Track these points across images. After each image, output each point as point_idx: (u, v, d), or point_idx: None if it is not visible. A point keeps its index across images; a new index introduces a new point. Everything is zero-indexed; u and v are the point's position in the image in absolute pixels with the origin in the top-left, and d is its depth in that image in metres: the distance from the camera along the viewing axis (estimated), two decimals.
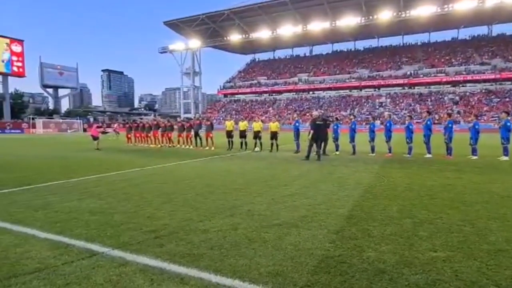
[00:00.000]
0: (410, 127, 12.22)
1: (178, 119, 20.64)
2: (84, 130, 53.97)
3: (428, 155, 11.57)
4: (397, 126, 22.33)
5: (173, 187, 6.25)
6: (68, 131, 52.13)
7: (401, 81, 58.70)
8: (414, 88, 58.28)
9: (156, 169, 9.06)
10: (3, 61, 54.48)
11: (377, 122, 27.81)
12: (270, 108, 66.79)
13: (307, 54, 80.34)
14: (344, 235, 3.55)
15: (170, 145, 17.44)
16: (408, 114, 17.99)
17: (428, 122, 11.92)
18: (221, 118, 62.92)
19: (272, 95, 72.77)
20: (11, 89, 62.04)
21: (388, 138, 12.30)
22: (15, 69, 56.59)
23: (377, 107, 56.45)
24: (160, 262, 2.86)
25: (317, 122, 11.10)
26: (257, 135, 14.57)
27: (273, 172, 8.35)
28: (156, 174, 8.07)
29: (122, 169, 8.75)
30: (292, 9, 60.50)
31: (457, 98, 52.26)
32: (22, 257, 2.95)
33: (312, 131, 10.94)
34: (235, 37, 68.94)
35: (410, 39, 70.35)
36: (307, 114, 54.24)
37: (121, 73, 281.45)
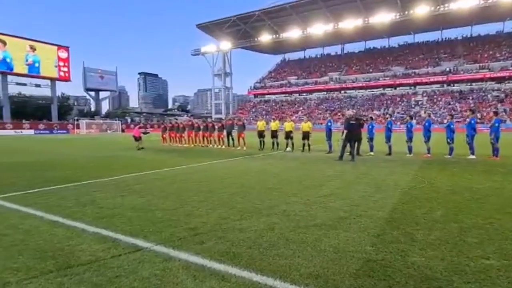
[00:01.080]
0: (452, 126, 11.55)
1: (210, 120, 21.05)
2: (123, 130, 56.82)
3: (472, 156, 10.87)
4: (435, 125, 21.16)
5: (208, 186, 6.38)
6: (108, 131, 55.08)
7: (439, 78, 55.69)
8: (453, 86, 55.04)
9: (191, 168, 9.30)
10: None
11: (413, 122, 26.60)
12: (300, 108, 66.22)
13: (338, 53, 78.76)
14: (386, 238, 3.43)
15: (202, 145, 17.83)
16: (449, 113, 17.07)
17: (472, 121, 11.21)
18: (251, 119, 63.37)
19: (302, 95, 72.12)
20: (58, 93, 66.57)
21: (427, 138, 11.72)
22: (61, 74, 60.56)
23: (413, 106, 54.04)
24: (201, 259, 2.92)
25: (351, 122, 10.83)
26: (288, 135, 14.50)
27: (306, 172, 8.27)
28: (192, 173, 8.28)
29: (160, 168, 9.07)
30: (323, 7, 59.57)
31: (503, 95, 48.63)
32: (75, 250, 3.15)
33: (345, 131, 10.69)
34: (265, 38, 69.15)
35: (450, 33, 66.50)
36: (339, 114, 53.17)
37: (156, 75, 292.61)
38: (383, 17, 55.81)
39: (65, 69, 61.32)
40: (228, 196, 5.52)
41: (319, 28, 62.55)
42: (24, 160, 11.74)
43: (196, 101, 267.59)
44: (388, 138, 12.56)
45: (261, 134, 15.61)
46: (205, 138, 17.97)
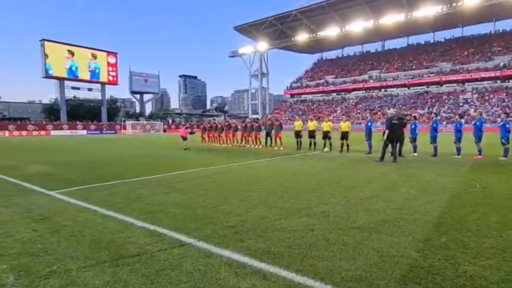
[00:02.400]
0: (507, 125, 10.59)
1: (247, 120, 21.31)
2: (164, 130, 59.53)
3: None
4: (487, 125, 19.44)
5: (247, 185, 6.48)
6: (151, 131, 57.96)
7: (491, 74, 51.28)
8: (508, 82, 50.33)
9: (229, 167, 9.49)
10: (90, 71, 63.06)
11: (463, 121, 24.69)
12: (338, 108, 64.69)
13: (379, 50, 75.64)
14: (434, 244, 3.26)
15: (240, 145, 18.09)
16: (503, 111, 15.68)
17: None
18: (287, 119, 63.05)
19: (340, 94, 70.35)
20: (107, 96, 71.42)
21: (479, 138, 10.87)
22: (110, 78, 65.41)
23: (461, 104, 50.36)
24: (242, 256, 2.99)
25: (393, 121, 10.36)
26: (326, 135, 14.24)
27: (346, 173, 8.08)
28: (231, 172, 8.45)
29: (200, 167, 9.36)
30: (362, 3, 57.65)
31: None
32: (125, 242, 3.37)
33: (387, 131, 10.27)
34: (302, 37, 68.49)
35: (504, 25, 61.01)
36: (379, 113, 51.13)
37: (195, 77, 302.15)
38: (428, 11, 52.62)
39: (114, 73, 65.93)
40: (267, 195, 5.56)
41: (358, 25, 60.60)
42: (79, 158, 12.73)
43: (233, 102, 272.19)
44: (433, 139, 11.83)
45: (298, 134, 15.49)
46: (242, 138, 18.22)
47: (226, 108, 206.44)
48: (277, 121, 17.20)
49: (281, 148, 15.41)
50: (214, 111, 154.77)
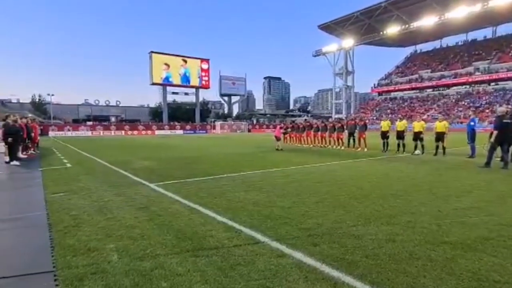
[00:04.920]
0: None
1: (330, 120, 20.73)
2: (249, 130, 62.36)
3: None
4: None
5: (326, 187, 6.32)
6: (237, 131, 61.38)
7: None
8: None
9: (310, 168, 9.39)
10: (187, 77, 70.29)
11: None
12: (434, 105, 57.68)
13: (488, 37, 64.54)
14: None
15: (322, 145, 17.71)
16: None
17: None
18: (375, 118, 59.03)
19: (437, 90, 62.63)
20: (200, 99, 78.49)
21: None
22: (203, 82, 72.57)
23: None
24: (314, 261, 2.94)
25: (504, 121, 8.73)
26: (418, 136, 12.86)
27: (439, 179, 7.16)
28: (311, 173, 8.35)
29: (281, 167, 9.50)
30: None
31: None
32: (206, 235, 3.66)
33: (496, 132, 8.72)
34: (393, 30, 63.24)
35: None
36: (486, 111, 43.73)
37: (279, 78, 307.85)
38: None
39: (206, 78, 73.03)
40: (346, 199, 5.33)
41: (461, 11, 52.82)
42: (175, 155, 14.28)
43: (316, 102, 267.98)
44: None
45: (384, 135, 14.36)
46: (324, 139, 17.81)
47: (309, 108, 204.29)
48: (362, 121, 16.28)
49: (365, 150, 14.52)
50: (297, 111, 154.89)
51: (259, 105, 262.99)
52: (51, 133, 47.13)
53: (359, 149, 14.98)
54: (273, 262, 2.93)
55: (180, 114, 76.93)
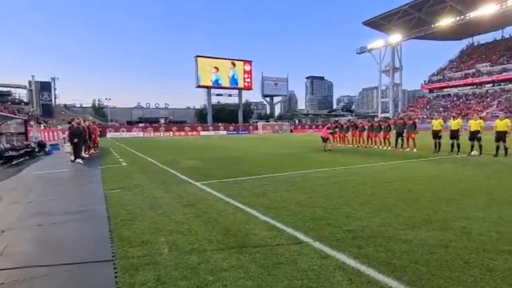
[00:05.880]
0: None
1: (376, 119, 19.89)
2: (291, 131, 62.10)
3: None
4: None
5: (371, 189, 6.11)
6: (279, 131, 61.42)
7: None
8: None
9: (354, 169, 9.12)
10: (231, 79, 71.89)
11: None
12: (495, 102, 52.38)
13: None
14: None
15: (367, 145, 17.08)
16: None
17: None
18: (425, 117, 55.32)
19: (498, 85, 56.73)
20: (243, 100, 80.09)
21: None
22: (246, 84, 73.88)
23: None
24: (359, 264, 2.88)
25: None
26: (474, 136, 11.84)
27: (500, 183, 6.55)
28: (355, 174, 8.12)
29: (324, 167, 9.36)
30: None
31: None
32: (250, 233, 3.76)
33: None
34: (445, 22, 58.65)
35: None
36: None
37: (322, 78, 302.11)
38: None
39: (248, 80, 74.26)
40: (393, 201, 5.11)
41: None
42: (219, 155, 14.72)
43: (361, 101, 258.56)
44: None
45: (436, 135, 13.43)
46: (369, 139, 17.14)
47: (353, 107, 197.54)
48: (410, 120, 15.39)
49: (415, 150, 13.71)
50: (340, 110, 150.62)
51: (301, 105, 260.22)
52: (109, 134, 51.15)
53: (408, 149, 14.19)
54: (316, 262, 2.93)
55: (223, 115, 78.97)
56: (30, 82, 58.60)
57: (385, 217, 4.25)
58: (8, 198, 6.03)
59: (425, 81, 71.13)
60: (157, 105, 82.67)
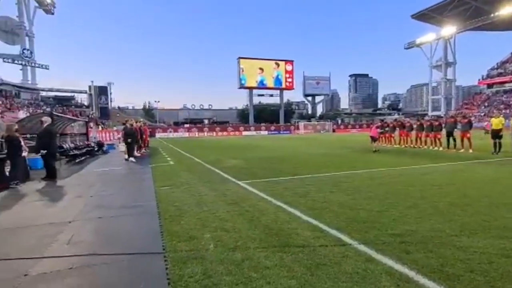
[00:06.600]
0: None
1: (426, 118, 18.69)
2: (333, 131, 60.66)
3: None
4: None
5: (420, 192, 5.79)
6: (321, 131, 60.31)
7: None
8: None
9: (402, 170, 8.69)
10: (273, 79, 71.96)
11: None
12: None
13: None
14: None
15: (415, 146, 16.13)
16: None
17: None
18: (483, 114, 50.69)
19: None
20: (284, 100, 79.92)
21: None
22: (287, 84, 73.74)
23: None
24: (407, 269, 2.77)
25: None
26: (496, 134, 10.75)
27: None
28: (402, 175, 7.75)
29: (369, 168, 9.06)
30: None
31: None
32: (292, 233, 3.78)
33: None
34: (508, 10, 53.06)
35: None
36: None
37: (366, 75, 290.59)
38: None
39: (290, 80, 74.03)
40: (445, 205, 4.80)
41: None
42: (261, 155, 14.86)
43: (409, 98, 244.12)
44: None
45: (496, 134, 12.26)
46: (418, 139, 16.18)
47: (400, 105, 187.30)
48: (465, 118, 14.22)
49: (470, 151, 12.65)
50: (386, 109, 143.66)
51: (344, 104, 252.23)
52: (157, 135, 54.10)
53: (461, 150, 13.14)
54: (360, 266, 2.87)
55: (265, 115, 79.51)
56: (90, 87, 64.26)
57: (436, 222, 4.02)
58: (73, 193, 6.69)
59: (483, 76, 65.22)
60: (201, 106, 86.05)
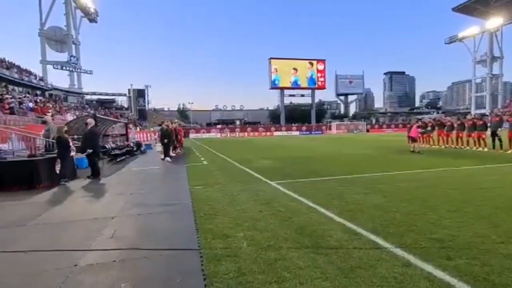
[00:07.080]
0: None
1: (468, 116, 17.53)
2: (367, 131, 58.78)
3: None
4: None
5: (462, 195, 5.47)
6: (355, 131, 58.72)
7: None
8: None
9: (442, 172, 8.26)
10: (306, 78, 71.15)
11: None
12: None
13: None
14: None
15: (456, 146, 15.21)
16: None
17: None
18: None
19: None
20: (316, 100, 78.98)
21: None
22: (319, 83, 72.72)
23: None
24: (448, 276, 2.65)
25: None
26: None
27: None
28: (443, 178, 7.37)
29: (406, 169, 8.73)
30: None
31: None
32: (325, 234, 3.75)
33: None
34: None
35: None
36: None
37: (403, 73, 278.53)
38: None
39: (322, 79, 72.91)
40: (490, 210, 4.51)
41: None
42: (293, 155, 14.79)
43: (450, 96, 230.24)
44: None
45: None
46: (459, 139, 15.25)
47: (440, 103, 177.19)
48: None
49: None
50: (424, 107, 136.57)
51: (378, 104, 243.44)
52: (191, 135, 55.67)
53: (509, 151, 12.18)
54: (397, 270, 2.79)
55: (296, 116, 78.91)
56: (129, 90, 67.68)
57: (480, 227, 3.79)
58: (115, 190, 7.11)
59: None
60: (233, 107, 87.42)
